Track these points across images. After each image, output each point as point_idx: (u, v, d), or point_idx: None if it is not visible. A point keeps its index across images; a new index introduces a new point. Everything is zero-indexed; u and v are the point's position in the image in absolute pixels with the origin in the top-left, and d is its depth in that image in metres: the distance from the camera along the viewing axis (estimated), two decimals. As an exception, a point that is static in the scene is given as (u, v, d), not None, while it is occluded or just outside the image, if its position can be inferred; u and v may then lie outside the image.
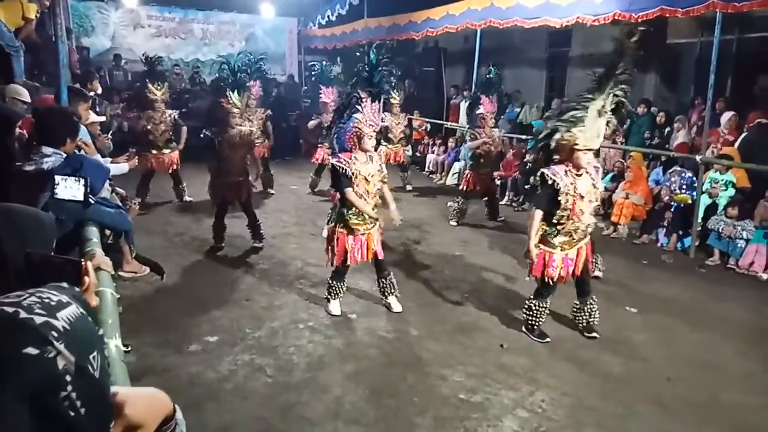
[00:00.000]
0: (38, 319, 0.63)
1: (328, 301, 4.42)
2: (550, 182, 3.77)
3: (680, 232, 6.49)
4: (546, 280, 3.93)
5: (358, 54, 4.38)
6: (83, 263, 1.37)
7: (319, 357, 3.74)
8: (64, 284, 0.74)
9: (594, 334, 4.10)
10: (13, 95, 4.24)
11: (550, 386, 3.45)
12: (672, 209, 6.59)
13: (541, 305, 4.06)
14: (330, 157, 4.09)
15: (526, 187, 8.45)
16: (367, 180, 4.07)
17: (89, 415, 0.63)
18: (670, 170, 7.02)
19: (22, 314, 0.63)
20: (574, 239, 3.88)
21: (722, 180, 6.44)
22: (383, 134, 7.67)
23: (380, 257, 4.35)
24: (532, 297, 4.13)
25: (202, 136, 5.61)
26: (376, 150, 4.32)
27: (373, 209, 4.15)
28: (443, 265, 5.67)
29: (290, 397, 3.25)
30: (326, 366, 3.62)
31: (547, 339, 4.07)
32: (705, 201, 6.39)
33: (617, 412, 3.23)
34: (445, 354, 3.84)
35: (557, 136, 3.75)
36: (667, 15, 6.37)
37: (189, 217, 7.18)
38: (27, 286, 1.23)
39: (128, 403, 0.78)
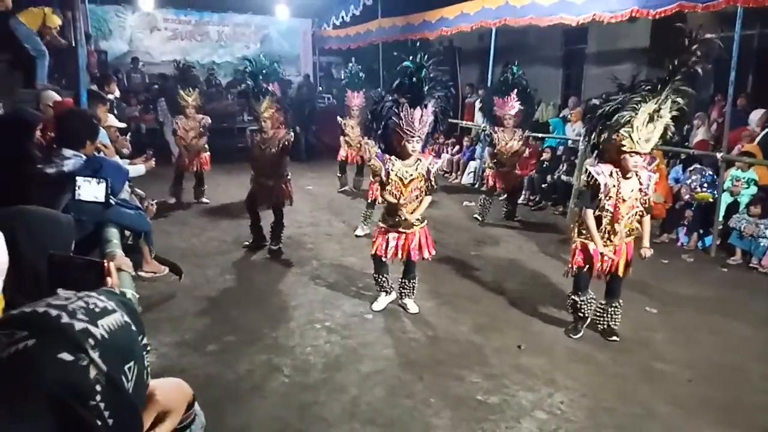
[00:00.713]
0: (78, 325, 0.64)
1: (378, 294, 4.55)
2: (592, 181, 3.73)
3: (701, 231, 6.39)
4: (574, 269, 3.94)
5: (395, 55, 4.16)
6: (106, 264, 1.38)
7: (335, 357, 3.74)
8: (116, 290, 0.74)
9: (614, 338, 4.04)
10: (47, 102, 4.30)
11: (569, 387, 3.42)
12: (692, 208, 6.49)
13: (574, 298, 4.04)
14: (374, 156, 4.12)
15: (543, 186, 8.40)
16: (403, 183, 4.07)
17: (116, 426, 0.64)
18: (690, 168, 6.91)
19: (65, 318, 0.64)
20: (611, 240, 3.85)
21: (744, 178, 6.33)
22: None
23: (413, 259, 4.30)
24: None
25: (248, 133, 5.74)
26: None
27: (408, 211, 4.12)
28: (459, 265, 5.65)
29: (307, 397, 3.26)
30: (343, 366, 3.63)
31: (573, 335, 4.07)
32: (726, 199, 6.28)
33: (636, 414, 3.19)
34: (461, 354, 3.82)
35: (604, 136, 3.69)
36: (686, 11, 6.27)
37: (206, 218, 7.25)
38: (43, 286, 1.25)
39: (158, 391, 0.79)
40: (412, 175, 4.06)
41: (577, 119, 8.89)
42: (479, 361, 3.72)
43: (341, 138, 8.69)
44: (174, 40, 14.15)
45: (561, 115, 9.72)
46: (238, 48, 14.75)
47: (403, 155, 4.03)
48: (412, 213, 4.15)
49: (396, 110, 3.90)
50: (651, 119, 3.57)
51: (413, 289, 4.49)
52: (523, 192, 8.50)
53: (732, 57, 5.80)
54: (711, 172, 6.57)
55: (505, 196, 7.43)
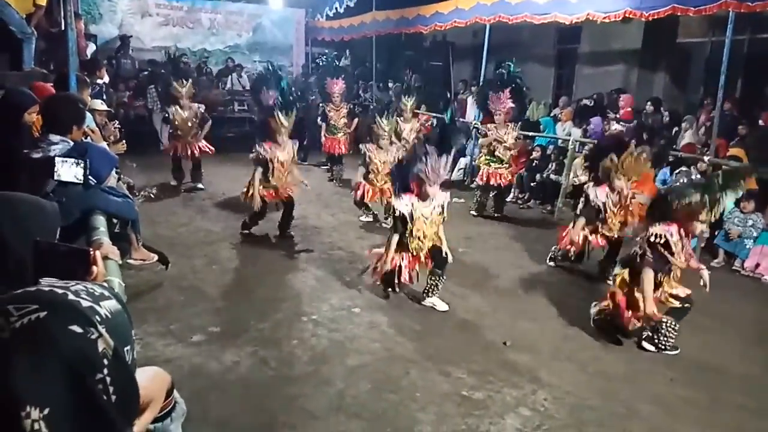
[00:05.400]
0: (84, 303, 0.68)
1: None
2: (662, 241, 3.76)
3: (686, 233, 6.46)
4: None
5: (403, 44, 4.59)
6: (91, 252, 1.36)
7: (322, 350, 3.74)
8: (104, 283, 0.78)
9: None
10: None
11: (553, 385, 3.45)
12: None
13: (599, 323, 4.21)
14: (393, 198, 4.39)
15: (531, 184, 8.43)
16: (424, 222, 4.32)
17: (119, 404, 0.66)
18: (677, 171, 6.98)
19: (71, 296, 0.68)
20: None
21: (730, 181, 6.40)
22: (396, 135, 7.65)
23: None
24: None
25: (253, 153, 5.91)
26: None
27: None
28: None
29: (293, 389, 3.26)
30: (329, 359, 3.63)
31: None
32: (711, 202, 6.35)
33: (619, 412, 3.23)
34: (447, 350, 3.84)
35: (696, 199, 3.73)
36: (679, 14, 6.31)
37: (194, 208, 7.19)
38: (27, 274, 1.24)
39: (139, 383, 0.80)
40: (432, 213, 4.35)
41: (568, 119, 8.94)
42: (465, 356, 3.74)
43: (322, 125, 9.14)
44: (165, 26, 13.94)
45: (552, 114, 9.75)
46: (230, 36, 14.59)
47: (422, 197, 4.29)
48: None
49: (425, 158, 4.16)
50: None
51: (438, 287, 4.52)
52: (512, 190, 8.54)
53: (722, 61, 5.86)
54: (698, 175, 6.63)
55: (495, 192, 7.44)
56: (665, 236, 3.76)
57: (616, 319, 4.02)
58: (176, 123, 7.71)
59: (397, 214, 4.26)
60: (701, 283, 3.94)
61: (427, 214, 4.32)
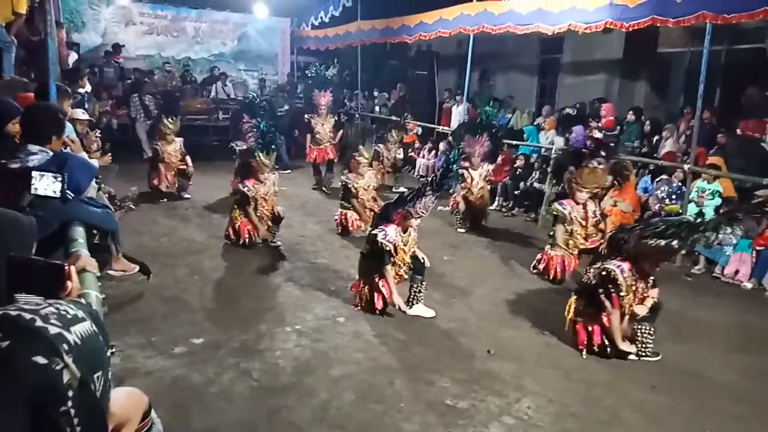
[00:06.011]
0: (52, 330, 0.64)
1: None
2: (612, 277, 3.77)
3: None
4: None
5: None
6: (66, 268, 1.34)
7: (305, 361, 3.72)
8: (82, 300, 0.75)
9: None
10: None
11: (536, 393, 3.46)
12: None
13: None
14: (377, 230, 4.40)
15: (515, 192, 8.49)
16: (404, 251, 4.48)
17: None
18: (658, 179, 7.08)
19: (38, 322, 0.65)
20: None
21: (709, 189, 6.50)
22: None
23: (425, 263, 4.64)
24: None
25: (234, 192, 6.21)
26: None
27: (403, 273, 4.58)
28: (431, 270, 5.63)
29: (276, 401, 3.23)
30: (313, 370, 3.60)
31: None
32: (692, 210, 6.44)
33: (602, 419, 3.25)
34: (431, 359, 3.83)
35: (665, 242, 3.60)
36: (658, 24, 6.44)
37: (177, 217, 7.13)
38: (1, 290, 1.21)
39: (112, 403, 0.78)
40: (409, 242, 4.52)
41: (551, 127, 9.03)
42: (449, 365, 3.74)
43: (308, 136, 9.23)
44: (150, 34, 13.88)
45: (535, 123, 9.84)
46: (215, 45, 14.59)
47: (404, 228, 4.46)
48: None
49: (423, 198, 4.36)
50: None
51: (421, 292, 4.60)
52: (497, 198, 8.59)
53: (701, 71, 5.97)
54: (678, 183, 6.73)
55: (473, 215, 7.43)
56: (615, 273, 3.76)
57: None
58: (165, 157, 7.90)
59: (387, 248, 4.32)
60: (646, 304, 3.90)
61: (405, 242, 4.49)
